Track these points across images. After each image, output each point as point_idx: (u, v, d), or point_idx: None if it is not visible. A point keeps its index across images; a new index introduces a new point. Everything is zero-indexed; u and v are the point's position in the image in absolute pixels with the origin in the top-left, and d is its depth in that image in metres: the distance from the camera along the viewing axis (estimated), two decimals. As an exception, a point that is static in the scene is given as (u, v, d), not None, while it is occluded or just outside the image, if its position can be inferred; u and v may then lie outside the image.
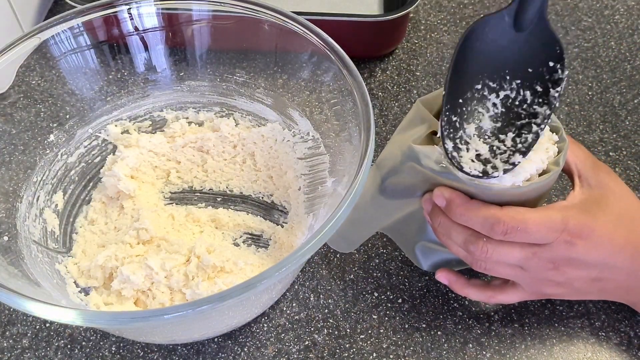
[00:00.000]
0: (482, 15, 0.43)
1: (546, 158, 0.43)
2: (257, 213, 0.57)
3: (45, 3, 0.78)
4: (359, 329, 0.51)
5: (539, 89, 0.43)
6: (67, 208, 0.55)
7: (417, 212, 0.48)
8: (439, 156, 0.43)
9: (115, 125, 0.58)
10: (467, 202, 0.43)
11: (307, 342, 0.50)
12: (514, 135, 0.43)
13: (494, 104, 0.44)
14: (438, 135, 0.44)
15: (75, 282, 0.50)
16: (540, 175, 0.44)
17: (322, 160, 0.54)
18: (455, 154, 0.42)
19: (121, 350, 0.50)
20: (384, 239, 0.56)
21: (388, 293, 0.53)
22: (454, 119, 0.43)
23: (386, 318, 0.52)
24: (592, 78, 0.71)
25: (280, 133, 0.57)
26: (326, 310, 0.52)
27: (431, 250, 0.51)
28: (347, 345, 0.50)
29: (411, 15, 0.77)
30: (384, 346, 0.50)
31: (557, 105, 0.45)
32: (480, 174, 0.42)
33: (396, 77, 0.71)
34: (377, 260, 0.55)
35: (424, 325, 0.51)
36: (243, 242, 0.55)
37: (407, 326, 0.51)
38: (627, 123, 0.66)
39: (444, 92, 0.43)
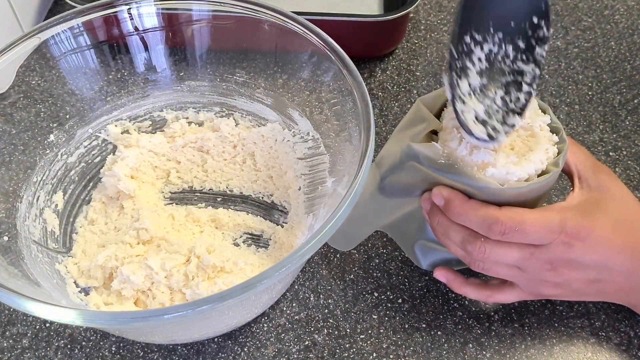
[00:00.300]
0: None
1: (545, 159, 0.44)
2: (257, 213, 0.57)
3: (45, 3, 0.78)
4: (359, 329, 0.51)
5: (521, 44, 0.42)
6: (67, 208, 0.55)
7: (417, 211, 0.48)
8: (439, 154, 0.43)
9: (115, 125, 0.58)
10: (465, 201, 0.43)
11: (307, 342, 0.50)
12: (503, 93, 0.42)
13: (479, 59, 0.42)
14: (445, 113, 0.44)
15: (75, 282, 0.50)
16: (539, 175, 0.44)
17: (322, 160, 0.54)
18: (463, 117, 0.40)
19: (121, 350, 0.50)
20: (384, 239, 0.56)
21: (388, 293, 0.53)
22: (454, 76, 0.41)
23: (386, 318, 0.52)
24: (592, 78, 0.71)
25: (280, 133, 0.57)
26: (326, 310, 0.52)
27: (430, 249, 0.51)
28: (347, 345, 0.50)
29: (411, 15, 0.77)
30: (384, 346, 0.50)
31: (544, 64, 0.44)
32: (487, 138, 0.41)
33: (396, 77, 0.71)
34: (377, 260, 0.55)
35: (424, 325, 0.51)
36: (243, 242, 0.55)
37: (407, 326, 0.51)
38: (627, 123, 0.66)
39: (450, 48, 0.41)
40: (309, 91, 0.55)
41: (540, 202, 0.47)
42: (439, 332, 0.51)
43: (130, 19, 0.55)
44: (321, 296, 0.53)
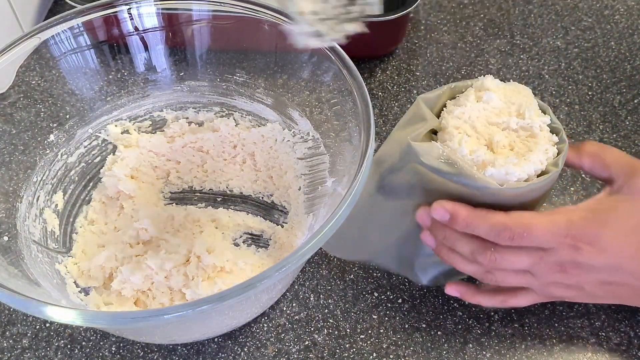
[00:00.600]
0: None
1: (545, 159, 0.44)
2: (257, 213, 0.57)
3: (45, 3, 0.78)
4: (359, 329, 0.51)
5: None
6: (67, 208, 0.55)
7: (414, 231, 0.48)
8: (439, 153, 0.43)
9: (115, 125, 0.58)
10: (472, 210, 0.43)
11: (307, 342, 0.50)
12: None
13: None
14: (445, 113, 0.45)
15: (75, 282, 0.50)
16: (539, 176, 0.44)
17: (322, 160, 0.54)
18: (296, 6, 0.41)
19: (121, 350, 0.50)
20: (384, 239, 0.56)
21: (388, 293, 0.53)
22: None
23: (386, 318, 0.52)
24: (592, 78, 0.70)
25: (280, 133, 0.57)
26: (326, 310, 0.52)
27: (429, 264, 0.50)
28: (347, 345, 0.50)
29: (411, 15, 0.77)
30: (384, 346, 0.50)
31: None
32: (313, 31, 0.42)
33: (396, 77, 0.71)
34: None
35: (424, 325, 0.51)
36: (243, 242, 0.55)
37: (407, 326, 0.51)
38: (627, 123, 0.66)
39: None
40: (309, 91, 0.55)
41: (540, 203, 0.47)
42: (439, 332, 0.51)
43: (130, 19, 0.55)
44: (321, 296, 0.53)
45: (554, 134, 0.45)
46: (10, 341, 0.50)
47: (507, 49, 0.74)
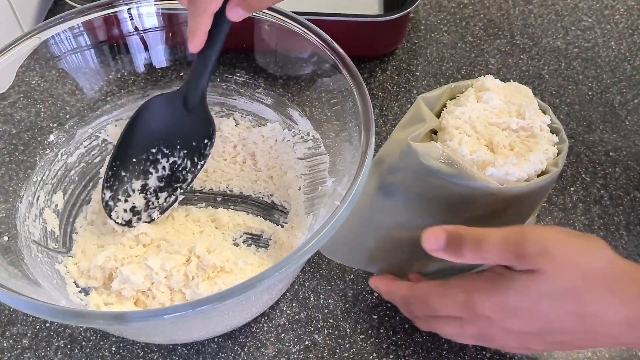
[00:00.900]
0: (159, 94, 0.53)
1: (545, 159, 0.44)
2: (257, 213, 0.57)
3: (45, 3, 0.78)
4: (359, 329, 0.51)
5: (196, 160, 0.53)
6: (67, 208, 0.55)
7: (409, 240, 0.48)
8: (438, 153, 0.43)
9: (115, 125, 0.58)
10: (389, 284, 0.48)
11: (307, 342, 0.50)
12: (167, 195, 0.53)
13: (164, 167, 0.53)
14: (444, 113, 0.47)
15: (75, 282, 0.50)
16: (539, 176, 0.44)
17: (322, 160, 0.54)
18: (111, 203, 0.52)
19: (121, 350, 0.50)
20: (384, 239, 0.56)
21: (388, 293, 0.53)
22: (123, 173, 0.53)
23: (386, 318, 0.52)
24: (592, 78, 0.71)
25: (280, 133, 0.57)
26: (326, 310, 0.52)
27: (427, 265, 0.50)
28: (347, 345, 0.50)
29: (411, 15, 0.77)
30: (384, 346, 0.50)
31: (197, 174, 0.53)
32: (124, 223, 0.52)
33: (396, 77, 0.71)
34: (377, 260, 0.55)
35: (424, 325, 0.51)
36: (243, 242, 0.55)
37: (407, 326, 0.51)
38: (627, 123, 0.66)
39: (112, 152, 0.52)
40: (309, 91, 0.55)
41: (540, 202, 0.47)
42: (439, 332, 0.51)
43: (130, 19, 0.55)
44: (321, 296, 0.53)
45: (554, 134, 0.45)
46: (10, 341, 0.50)
47: (507, 49, 0.74)
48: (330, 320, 0.52)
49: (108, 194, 0.53)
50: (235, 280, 0.48)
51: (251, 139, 0.58)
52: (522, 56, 0.73)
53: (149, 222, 0.53)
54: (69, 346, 0.50)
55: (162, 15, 0.56)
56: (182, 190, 0.53)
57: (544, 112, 0.47)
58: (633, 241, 0.56)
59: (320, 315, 0.52)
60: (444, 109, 0.48)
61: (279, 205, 0.58)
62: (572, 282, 0.39)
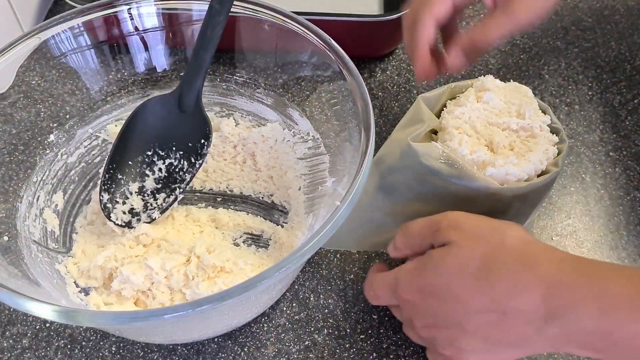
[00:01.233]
0: (154, 96, 0.53)
1: (545, 159, 0.44)
2: (257, 213, 0.57)
3: (45, 3, 0.78)
4: (359, 329, 0.51)
5: (193, 160, 0.53)
6: (67, 208, 0.55)
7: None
8: (438, 153, 0.43)
9: (115, 125, 0.58)
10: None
11: (307, 342, 0.50)
12: (165, 196, 0.53)
13: (160, 169, 0.53)
14: (444, 113, 0.46)
15: (75, 282, 0.50)
16: (539, 176, 0.44)
17: (322, 160, 0.54)
18: (109, 205, 0.52)
19: (121, 350, 0.50)
20: (384, 239, 0.56)
21: (388, 293, 0.53)
22: (120, 176, 0.53)
23: (386, 318, 0.52)
24: (592, 78, 0.70)
25: (280, 133, 0.57)
26: (326, 310, 0.52)
27: None
28: (347, 345, 0.50)
29: (411, 15, 0.76)
30: (384, 346, 0.50)
31: (196, 174, 0.53)
32: (123, 224, 0.52)
33: (396, 77, 0.71)
34: (377, 260, 0.55)
35: (424, 325, 0.51)
36: (243, 242, 0.55)
37: (407, 326, 0.51)
38: (627, 123, 0.66)
39: (109, 155, 0.52)
40: (309, 91, 0.55)
41: (540, 202, 0.47)
42: (439, 332, 0.51)
43: (131, 19, 0.55)
44: (321, 296, 0.53)
45: (554, 134, 0.45)
46: (10, 341, 0.50)
47: (507, 49, 0.74)
48: (330, 320, 0.52)
49: (106, 196, 0.53)
50: (235, 280, 0.48)
51: (251, 139, 0.58)
52: (522, 56, 0.73)
53: (149, 223, 0.53)
54: (69, 346, 0.50)
55: (162, 15, 0.56)
56: (180, 191, 0.53)
57: (544, 112, 0.47)
58: (633, 241, 0.56)
59: (320, 315, 0.52)
60: (444, 109, 0.48)
61: (279, 205, 0.58)
62: (480, 254, 0.38)
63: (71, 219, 0.55)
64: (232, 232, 0.56)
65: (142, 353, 0.50)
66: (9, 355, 0.49)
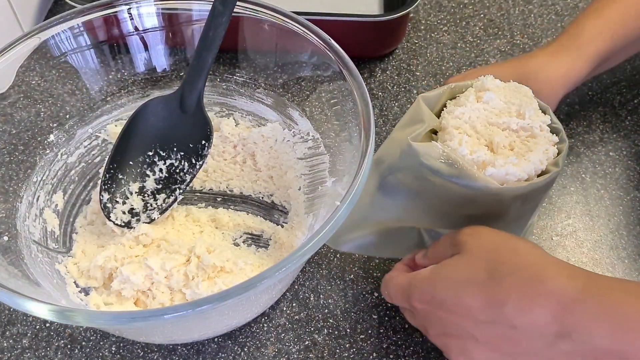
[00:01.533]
0: (156, 96, 0.53)
1: (545, 159, 0.44)
2: (257, 213, 0.57)
3: (45, 3, 0.78)
4: (359, 329, 0.51)
5: (193, 161, 0.53)
6: (67, 208, 0.55)
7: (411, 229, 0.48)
8: (439, 153, 0.43)
9: (115, 125, 0.58)
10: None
11: (307, 342, 0.50)
12: (165, 196, 0.53)
13: (161, 169, 0.53)
14: (444, 113, 0.47)
15: (75, 282, 0.50)
16: (539, 176, 0.44)
17: (322, 160, 0.54)
18: (109, 205, 0.52)
19: (121, 350, 0.50)
20: (384, 239, 0.56)
21: (388, 293, 0.53)
22: (120, 176, 0.53)
23: (386, 318, 0.52)
24: (592, 78, 0.70)
25: (280, 133, 0.57)
26: (326, 310, 0.52)
27: None
28: (347, 345, 0.50)
29: (411, 15, 0.77)
30: (384, 346, 0.50)
31: (196, 174, 0.53)
32: (123, 224, 0.52)
33: (396, 77, 0.71)
34: (377, 260, 0.55)
35: (424, 325, 0.51)
36: (243, 242, 0.55)
37: (407, 326, 0.51)
38: (627, 123, 0.66)
39: (109, 155, 0.52)
40: (309, 91, 0.55)
41: (540, 203, 0.47)
42: (439, 332, 0.51)
43: (130, 19, 0.55)
44: (321, 296, 0.53)
45: (554, 134, 0.45)
46: (10, 341, 0.50)
47: (507, 49, 0.74)
48: (330, 320, 0.52)
49: (106, 196, 0.53)
50: (235, 280, 0.48)
51: (251, 139, 0.58)
52: (522, 56, 0.73)
53: (148, 223, 0.53)
54: (69, 346, 0.50)
55: (162, 15, 0.56)
56: (180, 191, 0.53)
57: (544, 112, 0.47)
58: (633, 241, 0.56)
59: (320, 315, 0.52)
60: (444, 109, 0.48)
61: (279, 205, 0.58)
62: (489, 263, 0.38)
63: (71, 219, 0.55)
64: (232, 232, 0.56)
65: (142, 353, 0.50)
66: (9, 355, 0.49)
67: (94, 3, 0.54)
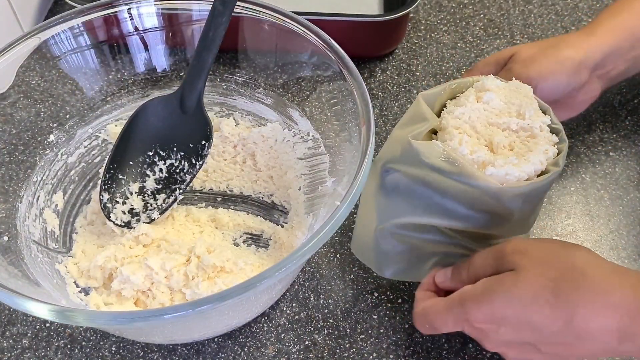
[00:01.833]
0: (156, 96, 0.53)
1: (545, 159, 0.44)
2: (257, 213, 0.57)
3: (45, 3, 0.78)
4: (359, 329, 0.51)
5: (193, 161, 0.53)
6: (67, 208, 0.55)
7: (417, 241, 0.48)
8: (439, 152, 0.43)
9: (115, 125, 0.58)
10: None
11: (307, 342, 0.50)
12: (165, 196, 0.53)
13: (161, 169, 0.53)
14: (445, 113, 0.47)
15: (75, 282, 0.50)
16: (539, 176, 0.44)
17: (322, 160, 0.54)
18: (109, 205, 0.52)
19: (121, 350, 0.50)
20: (384, 239, 0.56)
21: (388, 293, 0.53)
22: (120, 176, 0.53)
23: (386, 318, 0.52)
24: (592, 78, 0.70)
25: (281, 133, 0.57)
26: (326, 310, 0.52)
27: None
28: (347, 345, 0.50)
29: (411, 15, 0.77)
30: (384, 346, 0.50)
31: (196, 174, 0.53)
32: (123, 224, 0.52)
33: (396, 77, 0.71)
34: (377, 260, 0.55)
35: (424, 325, 0.51)
36: (243, 242, 0.55)
37: (407, 326, 0.51)
38: (627, 123, 0.66)
39: (109, 155, 0.53)
40: (309, 91, 0.55)
41: (540, 202, 0.47)
42: (439, 332, 0.51)
43: (130, 19, 0.55)
44: (321, 296, 0.53)
45: (554, 134, 0.45)
46: (10, 341, 0.50)
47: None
48: (330, 320, 0.52)
49: (106, 196, 0.53)
50: (235, 280, 0.48)
51: (251, 139, 0.58)
52: (522, 56, 0.73)
53: (148, 223, 0.53)
54: (69, 346, 0.50)
55: (162, 15, 0.56)
56: (180, 191, 0.53)
57: (544, 112, 0.47)
58: (633, 241, 0.56)
59: (320, 315, 0.52)
60: (444, 109, 0.48)
61: (279, 205, 0.58)
62: (552, 280, 0.39)
63: (71, 219, 0.55)
64: (232, 232, 0.56)
65: (142, 353, 0.50)
66: (9, 355, 0.49)
67: (94, 3, 0.54)
